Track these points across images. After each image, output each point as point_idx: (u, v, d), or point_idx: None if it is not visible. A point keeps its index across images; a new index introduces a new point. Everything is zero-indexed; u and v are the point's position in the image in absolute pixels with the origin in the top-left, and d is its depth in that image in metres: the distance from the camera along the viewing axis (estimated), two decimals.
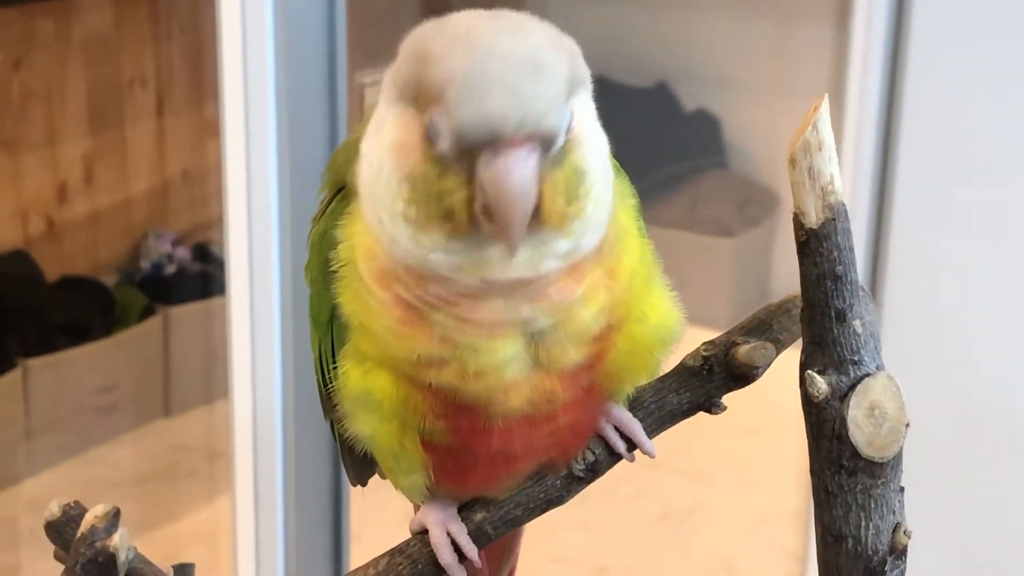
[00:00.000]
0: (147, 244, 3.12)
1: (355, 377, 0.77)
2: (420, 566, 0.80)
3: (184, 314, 3.03)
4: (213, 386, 2.94)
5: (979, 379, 1.98)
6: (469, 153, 0.67)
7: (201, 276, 3.11)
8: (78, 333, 2.88)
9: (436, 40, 0.68)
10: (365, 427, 0.78)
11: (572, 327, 0.73)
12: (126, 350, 2.95)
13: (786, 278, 3.44)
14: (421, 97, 0.69)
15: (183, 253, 3.14)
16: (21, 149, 2.89)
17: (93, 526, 0.79)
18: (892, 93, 1.96)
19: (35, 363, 2.78)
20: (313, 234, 0.81)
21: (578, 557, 2.66)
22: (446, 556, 0.79)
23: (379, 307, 0.74)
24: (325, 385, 0.81)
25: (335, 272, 0.76)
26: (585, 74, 0.72)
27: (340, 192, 0.79)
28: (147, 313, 3.00)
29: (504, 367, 0.73)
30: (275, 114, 1.71)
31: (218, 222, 3.14)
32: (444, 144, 0.68)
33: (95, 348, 2.89)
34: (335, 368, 0.79)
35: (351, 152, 0.77)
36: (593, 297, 0.73)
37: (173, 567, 0.86)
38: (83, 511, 0.81)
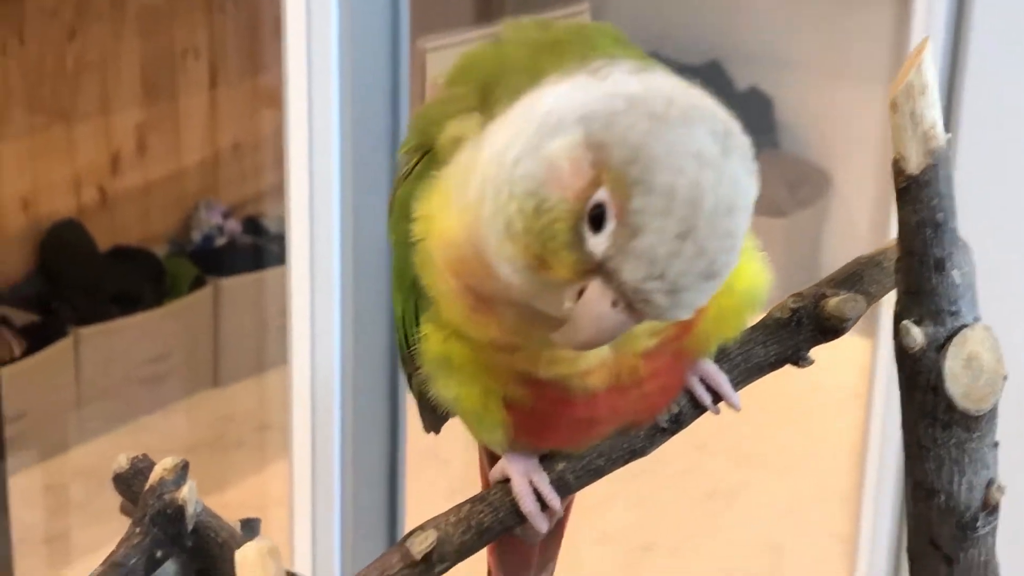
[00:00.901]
0: (198, 216, 3.13)
1: (436, 341, 0.76)
2: (501, 514, 0.79)
3: (234, 286, 3.03)
4: (263, 357, 2.96)
5: None
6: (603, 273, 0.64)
7: (252, 248, 3.12)
8: (129, 303, 2.90)
9: (659, 175, 0.63)
10: (447, 391, 0.77)
11: (647, 324, 0.70)
12: (176, 320, 2.96)
13: (837, 258, 3.42)
14: (611, 200, 0.63)
15: (234, 225, 3.15)
16: (75, 119, 2.90)
17: (162, 478, 0.79)
18: (953, 77, 1.94)
19: (86, 332, 2.80)
20: (399, 195, 0.77)
21: (624, 534, 2.66)
22: (528, 504, 0.78)
23: (451, 292, 0.73)
24: (408, 345, 0.80)
25: (413, 244, 0.74)
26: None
27: (426, 154, 0.75)
28: (197, 284, 3.01)
29: (579, 358, 0.72)
30: (338, 80, 1.71)
31: (269, 195, 3.15)
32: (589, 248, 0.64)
33: (146, 318, 2.91)
34: (417, 329, 0.77)
35: (441, 112, 0.75)
36: None
37: (240, 522, 0.86)
38: (151, 464, 0.81)
